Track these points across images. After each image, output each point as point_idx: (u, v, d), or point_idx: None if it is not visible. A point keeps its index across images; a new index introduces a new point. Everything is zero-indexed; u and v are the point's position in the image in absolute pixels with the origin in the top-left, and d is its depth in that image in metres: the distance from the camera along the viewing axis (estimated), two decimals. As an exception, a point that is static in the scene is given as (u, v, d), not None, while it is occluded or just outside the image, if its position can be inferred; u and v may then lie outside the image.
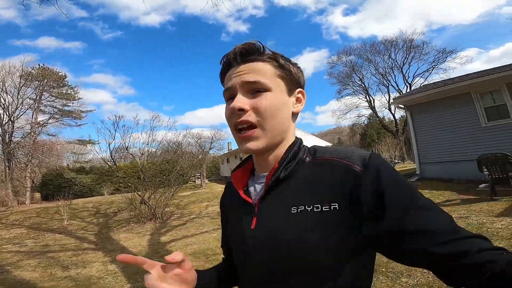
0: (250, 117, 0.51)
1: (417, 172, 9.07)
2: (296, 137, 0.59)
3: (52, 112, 24.35)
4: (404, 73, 24.87)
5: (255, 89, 0.52)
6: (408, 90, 23.69)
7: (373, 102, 26.35)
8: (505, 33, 45.44)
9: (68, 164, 29.83)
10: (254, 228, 0.52)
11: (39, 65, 22.82)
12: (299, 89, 0.58)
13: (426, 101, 8.73)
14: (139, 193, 8.74)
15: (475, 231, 2.66)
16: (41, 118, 23.54)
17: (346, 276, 0.45)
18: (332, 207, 0.45)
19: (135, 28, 57.16)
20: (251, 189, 0.59)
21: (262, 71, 0.52)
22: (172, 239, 5.75)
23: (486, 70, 9.17)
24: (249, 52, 0.53)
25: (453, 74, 22.55)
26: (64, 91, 24.85)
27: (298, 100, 0.58)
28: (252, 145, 0.51)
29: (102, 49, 58.88)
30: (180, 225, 7.36)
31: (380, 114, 27.26)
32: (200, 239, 5.48)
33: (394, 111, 25.17)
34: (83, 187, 22.44)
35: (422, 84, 22.30)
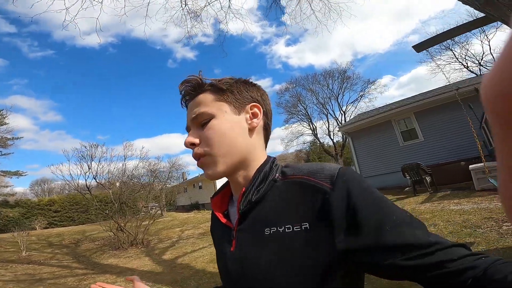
0: (199, 149, 0.54)
1: (360, 184, 11.36)
2: (268, 156, 0.59)
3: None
4: (339, 102, 29.24)
5: (202, 122, 0.54)
6: (343, 118, 28.06)
7: (316, 129, 30.01)
8: (411, 60, 55.25)
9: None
10: (233, 250, 0.53)
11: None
12: (252, 104, 0.57)
13: (362, 128, 11.32)
14: (118, 220, 8.78)
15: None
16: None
17: None
18: (303, 227, 0.45)
19: (70, 48, 52.87)
20: (231, 212, 0.60)
21: (203, 102, 0.55)
22: (176, 256, 6.30)
23: (399, 101, 12.43)
24: (191, 90, 0.56)
25: (376, 102, 27.77)
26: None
27: (254, 114, 0.57)
28: (209, 172, 0.54)
29: (27, 68, 52.19)
30: (168, 247, 7.79)
31: (321, 140, 31.06)
32: (204, 252, 6.20)
33: (333, 137, 29.20)
34: (8, 221, 20.20)
35: (354, 111, 26.96)
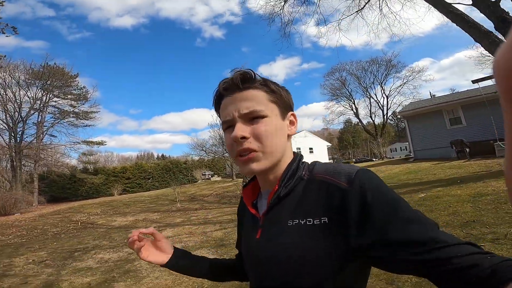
0: (251, 144, 0.59)
1: (412, 156, 16.11)
2: (295, 153, 0.67)
3: (57, 112, 25.36)
4: (383, 87, 33.04)
5: (253, 117, 0.60)
6: (385, 101, 32.00)
7: (357, 110, 34.14)
8: (455, 44, 54.31)
9: (69, 165, 27.90)
10: (259, 238, 0.63)
11: (46, 63, 23.69)
12: (291, 112, 0.66)
13: (417, 114, 15.84)
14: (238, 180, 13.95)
15: (457, 169, 9.73)
16: (48, 118, 24.70)
17: (340, 280, 0.52)
18: (322, 221, 0.53)
19: (105, 29, 57.27)
20: (259, 203, 0.70)
21: (256, 99, 0.60)
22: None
23: (449, 94, 16.85)
24: (243, 81, 0.61)
25: (420, 90, 31.00)
26: (77, 92, 26.13)
27: (291, 123, 0.66)
28: (255, 166, 0.59)
29: (67, 49, 58.09)
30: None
31: (363, 121, 35.09)
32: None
33: (374, 119, 33.37)
34: (90, 188, 24.44)
35: (397, 96, 30.88)
